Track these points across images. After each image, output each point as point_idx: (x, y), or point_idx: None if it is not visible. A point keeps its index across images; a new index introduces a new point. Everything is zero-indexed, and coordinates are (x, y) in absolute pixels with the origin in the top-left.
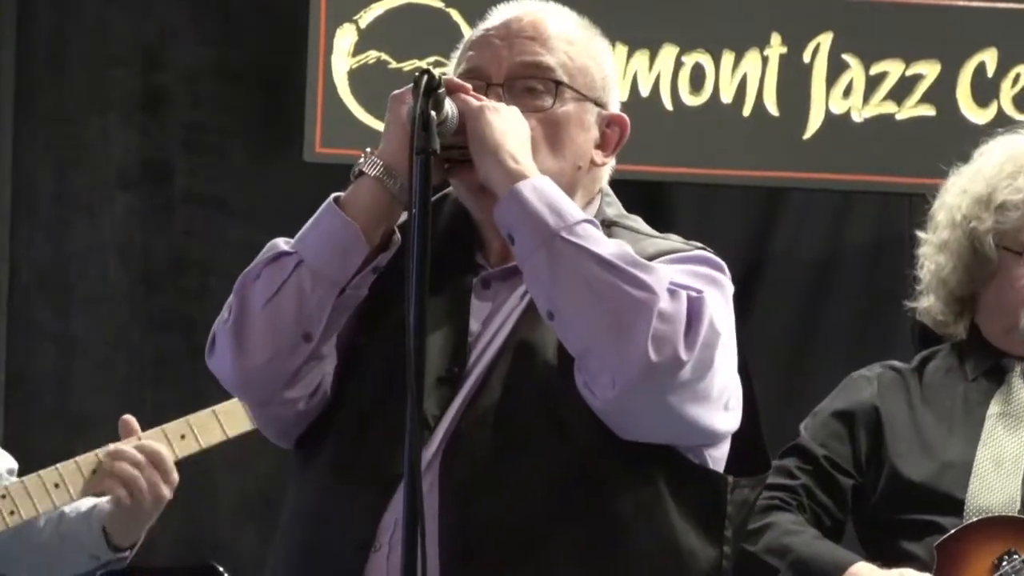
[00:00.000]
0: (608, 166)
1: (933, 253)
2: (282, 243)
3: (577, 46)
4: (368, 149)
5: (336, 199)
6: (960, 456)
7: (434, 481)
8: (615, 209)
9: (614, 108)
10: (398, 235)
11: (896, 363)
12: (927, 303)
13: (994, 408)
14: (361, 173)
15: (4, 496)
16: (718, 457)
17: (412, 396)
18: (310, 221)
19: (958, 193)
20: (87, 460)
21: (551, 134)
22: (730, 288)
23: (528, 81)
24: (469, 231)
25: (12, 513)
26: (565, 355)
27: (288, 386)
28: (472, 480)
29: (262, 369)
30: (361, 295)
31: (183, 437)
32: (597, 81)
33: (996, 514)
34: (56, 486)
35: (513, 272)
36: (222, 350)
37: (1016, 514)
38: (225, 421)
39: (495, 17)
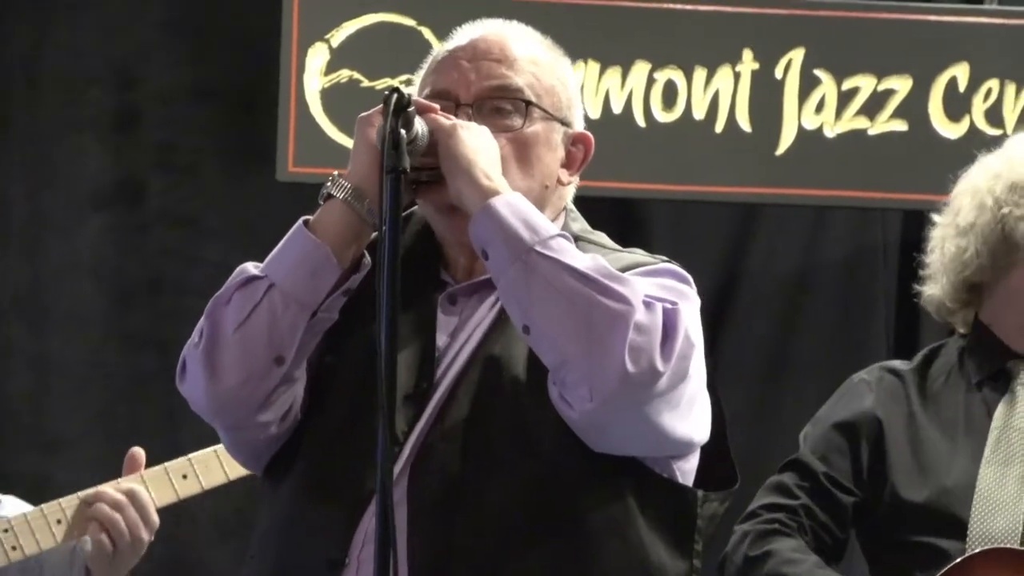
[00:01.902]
0: (573, 184)
1: (952, 235)
2: (252, 267)
3: (543, 67)
4: (336, 172)
5: (305, 222)
6: (962, 476)
7: (402, 496)
8: (580, 224)
9: (579, 127)
10: (368, 257)
11: (896, 364)
12: (934, 289)
13: (998, 421)
14: (329, 196)
15: (7, 530)
16: (687, 470)
17: (384, 414)
18: (280, 245)
19: (991, 177)
20: (70, 501)
21: (520, 153)
22: (697, 301)
23: (497, 102)
24: (434, 249)
25: (15, 548)
26: (535, 368)
27: (260, 410)
28: (440, 495)
29: (234, 393)
30: (332, 318)
31: (185, 477)
32: (563, 101)
33: (1000, 544)
34: (59, 522)
35: (480, 287)
36: (193, 374)
37: (1020, 546)
38: (227, 461)
39: (459, 38)
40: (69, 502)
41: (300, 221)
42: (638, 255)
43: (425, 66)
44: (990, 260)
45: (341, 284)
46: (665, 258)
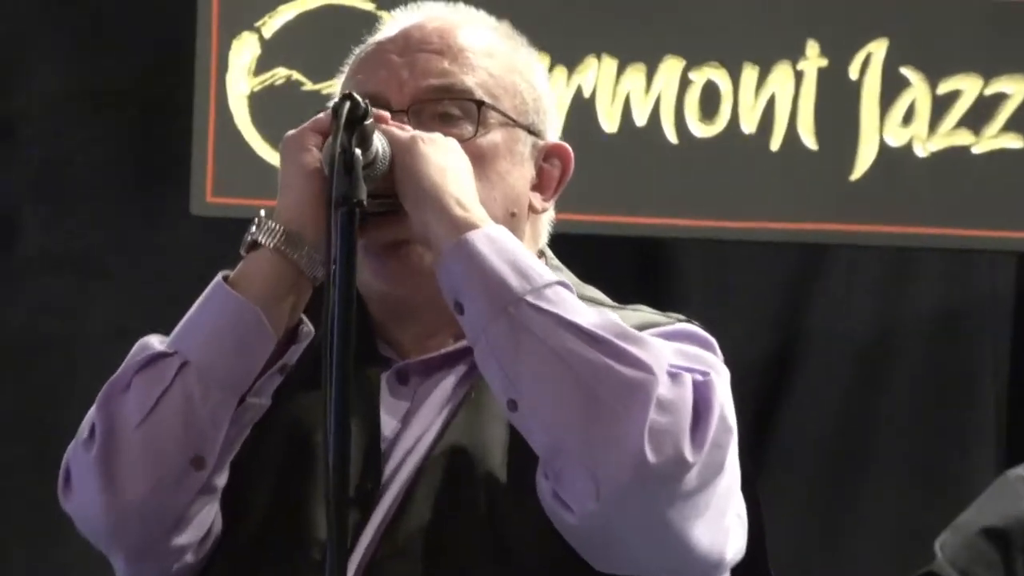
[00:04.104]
0: (549, 214)
1: None
2: (156, 341)
3: (499, 59)
4: (262, 212)
5: (225, 278)
6: None
7: None
8: (565, 275)
9: (552, 137)
10: (308, 324)
11: None
12: None
13: None
14: (255, 244)
15: None
16: None
17: (333, 527)
18: (193, 309)
19: None
20: None
21: (476, 171)
22: (727, 373)
23: (440, 105)
24: (367, 317)
25: None
26: (517, 462)
27: (174, 530)
28: None
29: (139, 509)
30: (264, 404)
31: None
32: (528, 103)
33: None
34: None
35: (441, 363)
36: (83, 486)
37: None
38: None
39: (391, 26)
40: None
41: (219, 277)
42: (645, 312)
43: (347, 66)
44: None
45: (276, 359)
46: (681, 317)
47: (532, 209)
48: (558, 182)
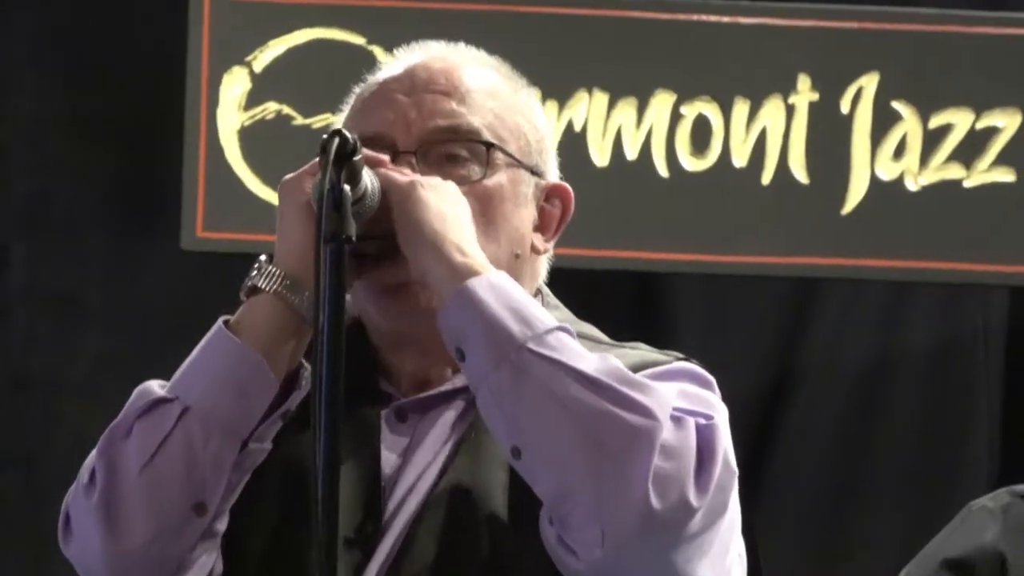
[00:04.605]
0: (548, 254)
1: None
2: (156, 387)
3: (503, 100)
4: (263, 257)
5: (226, 323)
6: None
7: None
8: (562, 313)
9: (552, 178)
10: (309, 368)
11: None
12: None
13: None
14: (255, 289)
15: None
16: None
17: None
18: (193, 355)
19: None
20: None
21: (483, 213)
22: (726, 411)
23: (448, 146)
24: (368, 353)
25: None
26: (520, 504)
27: None
28: None
29: (140, 556)
30: (265, 449)
31: None
32: (532, 144)
33: None
34: None
35: (439, 400)
36: (85, 533)
37: None
38: None
39: (394, 65)
40: None
41: (219, 322)
42: (643, 351)
43: (347, 107)
44: None
45: (277, 405)
46: (680, 355)
47: (534, 250)
48: (559, 222)
